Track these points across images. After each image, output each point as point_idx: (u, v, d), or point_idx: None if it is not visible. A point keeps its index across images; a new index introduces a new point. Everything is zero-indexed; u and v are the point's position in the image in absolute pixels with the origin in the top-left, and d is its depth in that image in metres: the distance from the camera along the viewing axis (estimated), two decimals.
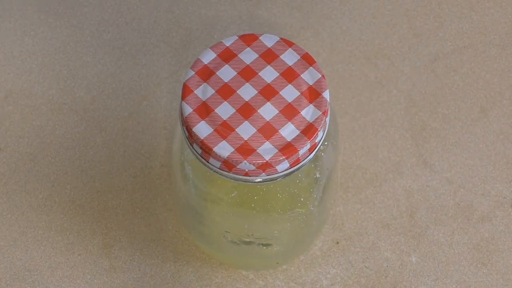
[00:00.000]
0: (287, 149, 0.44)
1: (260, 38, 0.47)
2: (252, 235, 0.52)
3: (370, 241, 0.59)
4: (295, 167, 0.45)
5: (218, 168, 0.45)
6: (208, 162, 0.45)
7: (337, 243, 0.59)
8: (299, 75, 0.46)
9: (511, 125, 0.64)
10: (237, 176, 0.45)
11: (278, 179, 0.45)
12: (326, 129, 0.46)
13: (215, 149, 0.44)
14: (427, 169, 0.62)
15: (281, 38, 0.47)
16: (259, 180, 0.45)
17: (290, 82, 0.46)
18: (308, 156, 0.45)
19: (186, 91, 0.46)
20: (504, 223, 0.60)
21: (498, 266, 0.59)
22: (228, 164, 0.44)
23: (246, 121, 0.44)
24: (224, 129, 0.44)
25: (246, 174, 0.45)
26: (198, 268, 0.58)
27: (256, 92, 0.45)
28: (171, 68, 0.65)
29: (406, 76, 0.65)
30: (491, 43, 0.67)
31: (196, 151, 0.45)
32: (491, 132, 0.63)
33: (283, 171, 0.45)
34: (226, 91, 0.45)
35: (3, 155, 0.62)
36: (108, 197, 0.60)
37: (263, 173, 0.44)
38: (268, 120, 0.45)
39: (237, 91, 0.45)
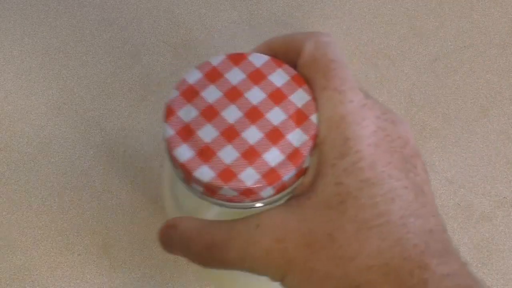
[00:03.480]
0: (270, 175, 0.42)
1: (248, 57, 0.45)
2: None
3: None
4: (282, 193, 0.43)
5: (201, 193, 0.43)
6: (191, 186, 0.43)
7: None
8: (287, 96, 0.44)
9: (511, 125, 0.64)
10: (220, 202, 0.43)
11: (266, 206, 0.43)
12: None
13: (195, 173, 0.42)
14: (427, 169, 0.62)
15: (271, 58, 0.45)
16: (244, 206, 0.43)
17: (277, 104, 0.43)
18: (295, 182, 0.43)
19: (169, 112, 0.43)
20: (504, 223, 0.60)
21: (498, 266, 0.59)
22: (209, 189, 0.42)
23: (229, 145, 0.42)
24: (206, 153, 0.42)
25: (230, 200, 0.43)
26: (198, 268, 0.58)
27: (241, 114, 0.43)
28: (171, 68, 0.65)
29: (406, 76, 0.65)
30: (491, 43, 0.67)
31: (179, 175, 0.44)
32: (491, 132, 0.63)
33: (268, 198, 0.43)
34: (209, 113, 0.43)
35: (3, 155, 0.62)
36: (108, 197, 0.60)
37: (247, 199, 0.43)
38: (252, 144, 0.42)
39: (221, 113, 0.43)
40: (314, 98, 0.43)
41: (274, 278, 0.41)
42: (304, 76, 0.43)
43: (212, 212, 0.48)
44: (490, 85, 0.65)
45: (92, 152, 0.62)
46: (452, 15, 0.68)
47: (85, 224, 0.60)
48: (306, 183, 0.41)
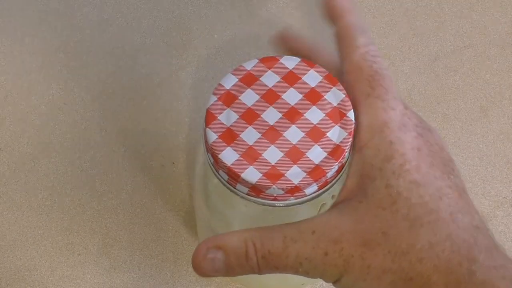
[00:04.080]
0: (315, 172, 0.43)
1: (280, 60, 0.47)
2: None
3: None
4: (323, 189, 0.45)
5: (246, 194, 0.44)
6: (235, 188, 0.45)
7: None
8: (322, 96, 0.45)
9: (511, 125, 0.64)
10: (265, 201, 0.44)
11: (305, 202, 0.45)
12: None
13: (243, 175, 0.43)
14: None
15: (302, 59, 0.47)
16: (287, 204, 0.44)
17: (314, 103, 0.45)
18: (335, 178, 0.45)
19: (209, 117, 0.45)
20: (504, 223, 0.60)
21: None
22: (256, 190, 0.44)
23: (272, 145, 0.44)
24: (251, 154, 0.44)
25: (275, 199, 0.44)
26: None
27: (281, 115, 0.45)
28: (171, 68, 0.65)
29: (406, 76, 0.65)
30: (491, 43, 0.67)
31: (222, 178, 0.45)
32: (491, 132, 0.63)
33: (311, 194, 0.44)
34: (250, 116, 0.45)
35: (3, 155, 0.62)
36: (108, 197, 0.60)
37: (292, 197, 0.44)
38: (294, 143, 0.44)
39: (261, 115, 0.45)
40: (349, 97, 0.45)
41: (329, 278, 0.42)
42: (347, 81, 0.45)
43: (241, 210, 0.49)
44: (490, 85, 0.65)
45: (92, 152, 0.62)
46: (452, 15, 0.68)
47: (85, 224, 0.60)
48: (349, 186, 0.43)
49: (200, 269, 0.44)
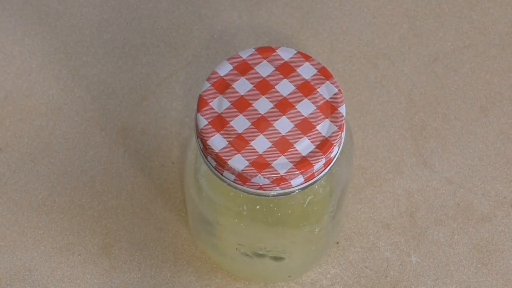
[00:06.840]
0: (302, 163, 0.44)
1: (277, 50, 0.47)
2: (265, 248, 0.52)
3: (370, 241, 0.59)
4: (310, 182, 0.45)
5: (232, 181, 0.45)
6: (222, 175, 0.45)
7: (337, 243, 0.59)
8: (315, 89, 0.46)
9: (511, 125, 0.64)
10: (251, 190, 0.45)
11: (292, 194, 0.45)
12: (342, 144, 0.46)
13: (230, 162, 0.44)
14: (427, 169, 0.62)
15: (298, 52, 0.47)
16: (273, 194, 0.45)
17: (306, 96, 0.45)
18: (323, 171, 0.45)
19: (201, 103, 0.45)
20: (504, 223, 0.60)
21: (498, 266, 0.59)
22: (242, 178, 0.44)
23: (261, 135, 0.44)
24: (239, 142, 0.44)
25: (260, 188, 0.44)
26: (198, 268, 0.58)
27: (272, 105, 0.45)
28: (171, 68, 0.65)
29: (406, 76, 0.65)
30: (491, 43, 0.67)
31: (210, 164, 0.45)
32: (491, 132, 0.63)
33: (297, 186, 0.44)
34: (241, 104, 0.45)
35: (3, 155, 0.62)
36: (108, 197, 0.61)
37: (277, 187, 0.44)
38: (283, 134, 0.44)
39: (253, 104, 0.45)
40: (341, 91, 0.45)
41: None
42: None
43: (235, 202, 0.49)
44: (490, 85, 0.65)
45: (92, 152, 0.62)
46: (452, 15, 0.68)
47: (85, 224, 0.60)
48: None
49: None
